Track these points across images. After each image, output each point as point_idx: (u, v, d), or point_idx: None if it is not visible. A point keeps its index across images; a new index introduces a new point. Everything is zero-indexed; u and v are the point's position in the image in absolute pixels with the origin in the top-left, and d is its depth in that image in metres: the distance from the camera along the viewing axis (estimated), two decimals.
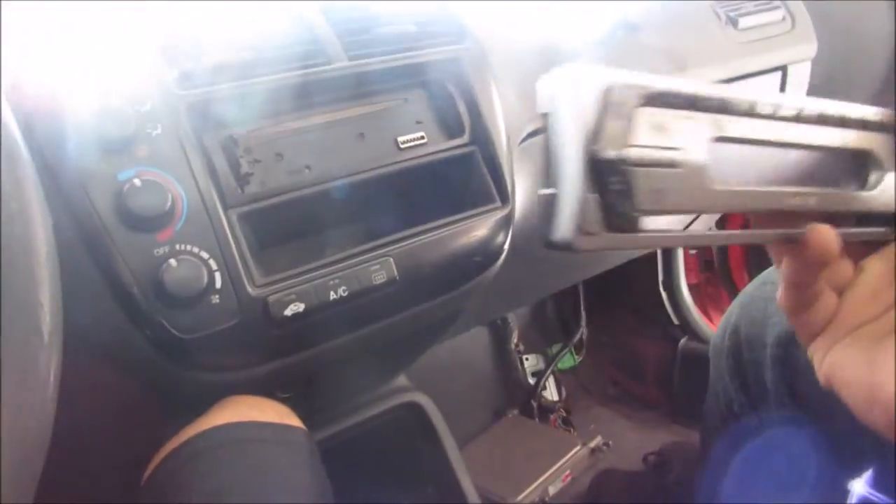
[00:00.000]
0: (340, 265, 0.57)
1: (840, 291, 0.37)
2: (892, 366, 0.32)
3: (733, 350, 0.68)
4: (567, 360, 1.56)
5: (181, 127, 0.52)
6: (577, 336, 1.55)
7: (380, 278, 0.57)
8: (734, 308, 0.68)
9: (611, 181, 0.27)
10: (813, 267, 0.35)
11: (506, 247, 0.68)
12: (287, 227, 0.59)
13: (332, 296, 0.55)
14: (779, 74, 1.01)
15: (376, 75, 0.63)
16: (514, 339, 1.52)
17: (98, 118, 0.48)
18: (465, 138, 0.66)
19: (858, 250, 0.38)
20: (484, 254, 0.65)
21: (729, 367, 0.70)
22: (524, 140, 0.75)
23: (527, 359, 1.53)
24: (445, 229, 0.62)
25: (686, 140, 0.29)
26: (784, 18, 1.00)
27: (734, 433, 0.71)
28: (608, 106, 0.26)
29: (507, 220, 0.66)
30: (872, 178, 0.35)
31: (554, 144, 0.28)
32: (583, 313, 1.55)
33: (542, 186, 0.29)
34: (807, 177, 0.34)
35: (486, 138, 0.66)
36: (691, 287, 1.50)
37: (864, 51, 1.29)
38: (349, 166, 0.60)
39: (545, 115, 0.29)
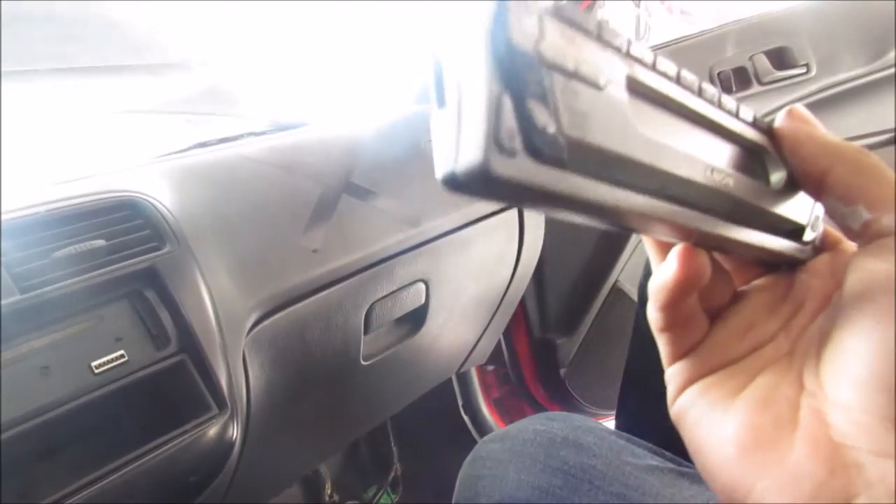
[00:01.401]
0: None
1: (714, 316, 0.32)
2: (733, 433, 0.27)
3: None
4: (386, 500, 1.51)
5: None
6: (392, 474, 1.51)
7: None
8: (457, 485, 0.68)
9: (526, 82, 0.20)
10: (682, 286, 0.30)
11: (234, 450, 0.65)
12: None
13: None
14: (515, 211, 1.09)
15: (58, 302, 0.59)
16: (328, 490, 1.45)
17: None
18: (172, 347, 0.63)
19: (749, 271, 0.34)
20: (202, 470, 0.61)
21: None
22: (253, 328, 0.73)
23: None
24: (152, 455, 0.58)
25: (603, 68, 0.23)
26: None
27: None
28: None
29: (226, 427, 0.63)
30: (774, 177, 0.32)
31: (445, 56, 0.21)
32: (394, 449, 1.52)
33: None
34: (718, 157, 0.30)
35: (194, 344, 0.64)
36: (496, 401, 1.53)
37: None
38: (30, 408, 0.55)
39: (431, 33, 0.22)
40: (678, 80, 0.27)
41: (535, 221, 1.13)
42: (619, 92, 0.24)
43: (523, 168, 0.20)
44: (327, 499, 1.44)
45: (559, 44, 0.21)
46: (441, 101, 0.21)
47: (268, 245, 0.77)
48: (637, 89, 0.25)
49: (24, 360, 0.57)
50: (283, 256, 0.77)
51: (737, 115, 0.30)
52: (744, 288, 0.33)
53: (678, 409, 0.31)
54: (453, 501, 0.66)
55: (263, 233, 0.77)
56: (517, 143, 0.20)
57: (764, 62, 1.36)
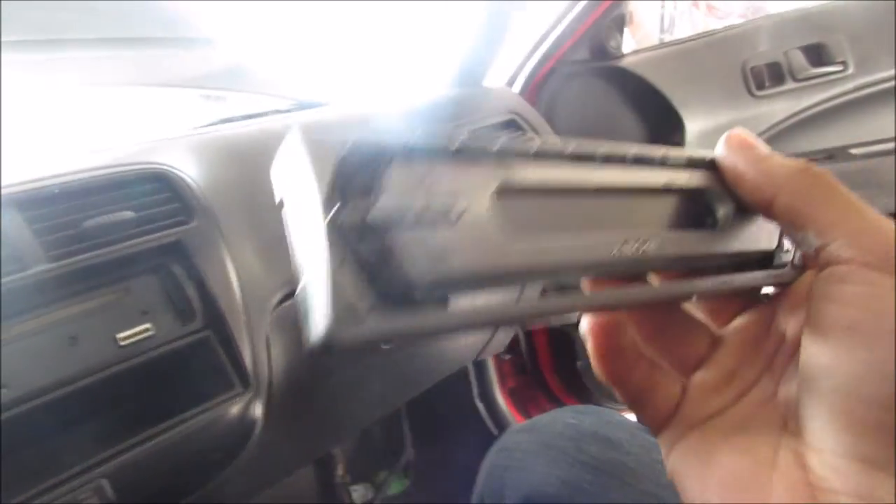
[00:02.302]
0: (41, 499, 0.50)
1: (694, 367, 0.30)
2: (717, 481, 0.26)
3: None
4: (396, 486, 1.51)
5: None
6: (404, 459, 1.51)
7: None
8: (481, 474, 0.68)
9: (365, 250, 0.21)
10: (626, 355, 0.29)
11: (257, 429, 0.64)
12: None
13: None
14: None
15: (86, 272, 0.58)
16: (340, 471, 1.45)
17: None
18: (198, 323, 0.63)
19: (729, 308, 0.32)
20: (225, 447, 0.61)
21: None
22: (278, 306, 0.73)
23: (354, 490, 1.47)
24: (175, 430, 0.58)
25: (462, 193, 0.23)
26: None
27: None
28: (348, 165, 0.21)
29: (249, 405, 0.62)
30: (721, 213, 0.30)
31: (295, 228, 0.22)
32: (407, 435, 1.52)
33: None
34: (639, 222, 0.29)
35: (220, 320, 0.63)
36: (511, 390, 1.53)
37: None
38: (58, 378, 0.55)
39: (280, 203, 0.23)
40: (575, 158, 0.26)
41: None
42: (480, 212, 0.23)
43: (377, 325, 0.20)
44: (339, 480, 1.44)
45: (400, 196, 0.21)
46: (298, 278, 0.22)
47: None
48: (515, 191, 0.25)
49: (52, 328, 0.57)
50: None
51: (664, 164, 0.29)
52: (723, 332, 0.31)
53: (671, 469, 0.30)
54: (477, 490, 0.66)
55: None
56: (366, 306, 0.20)
57: (799, 58, 1.33)
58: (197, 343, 0.62)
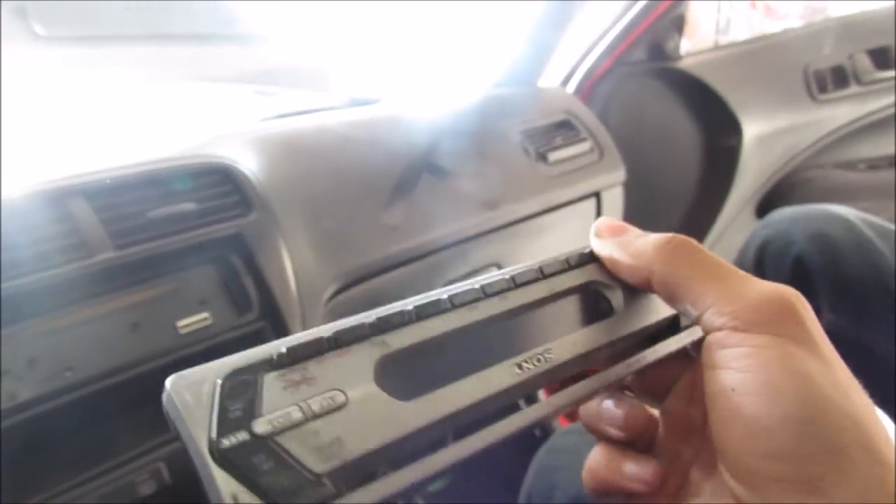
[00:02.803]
0: (99, 480, 0.52)
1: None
2: None
3: None
4: (437, 483, 1.51)
5: None
6: None
7: (147, 489, 0.53)
8: (529, 474, 0.67)
9: (256, 464, 0.22)
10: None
11: None
12: (46, 440, 0.54)
13: None
14: (593, 200, 1.07)
15: (149, 261, 0.60)
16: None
17: None
18: (254, 314, 0.64)
19: (664, 380, 0.32)
20: None
21: None
22: (331, 299, 0.73)
23: None
24: None
25: (344, 378, 0.25)
26: (592, 149, 1.06)
27: None
28: (221, 395, 0.23)
29: None
30: (614, 300, 0.31)
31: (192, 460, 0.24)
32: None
33: None
34: (534, 337, 0.30)
35: (275, 312, 0.64)
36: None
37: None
38: (120, 362, 0.56)
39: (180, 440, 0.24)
40: (449, 307, 0.27)
41: (614, 211, 1.11)
42: (366, 390, 0.24)
43: None
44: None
45: (282, 400, 0.23)
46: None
47: (348, 218, 0.77)
48: (396, 358, 0.26)
49: (115, 315, 0.58)
50: (363, 231, 0.77)
51: (543, 275, 0.30)
52: (657, 410, 0.32)
53: None
54: (525, 489, 0.65)
55: (344, 205, 0.77)
56: None
57: (865, 61, 1.29)
58: (253, 333, 0.63)
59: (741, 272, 0.26)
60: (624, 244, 0.29)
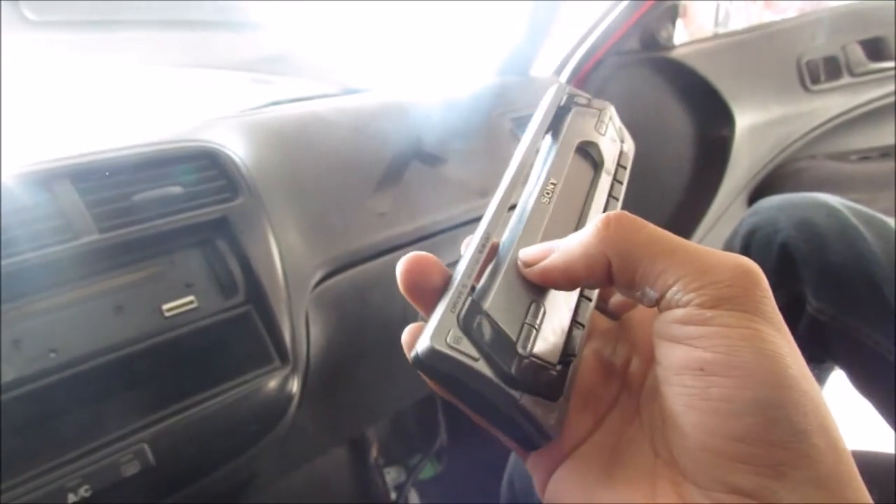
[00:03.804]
0: (83, 461, 0.52)
1: None
2: None
3: (511, 501, 0.67)
4: (428, 470, 1.52)
5: None
6: (437, 444, 1.52)
7: (132, 469, 0.53)
8: (511, 458, 0.68)
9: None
10: None
11: (293, 404, 0.65)
12: (29, 421, 0.54)
13: (71, 498, 0.51)
14: None
15: (134, 244, 0.60)
16: (374, 453, 1.47)
17: None
18: (240, 297, 0.64)
19: None
20: (262, 420, 0.62)
21: None
22: (317, 285, 0.74)
23: (387, 472, 1.48)
24: (214, 400, 0.59)
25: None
26: None
27: None
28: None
29: (286, 380, 0.64)
30: None
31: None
32: (441, 420, 1.52)
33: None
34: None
35: (261, 296, 0.64)
36: None
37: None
38: (104, 345, 0.57)
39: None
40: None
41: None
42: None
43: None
44: (372, 462, 1.45)
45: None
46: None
47: (336, 204, 0.77)
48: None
49: (100, 297, 0.59)
50: (351, 217, 0.77)
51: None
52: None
53: (549, 496, 0.29)
54: (507, 473, 0.66)
55: (332, 192, 0.78)
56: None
57: (857, 52, 1.29)
58: (238, 317, 0.63)
59: (692, 244, 0.25)
60: (564, 254, 0.27)
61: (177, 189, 0.64)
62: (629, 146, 0.38)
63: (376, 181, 0.82)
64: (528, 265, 0.29)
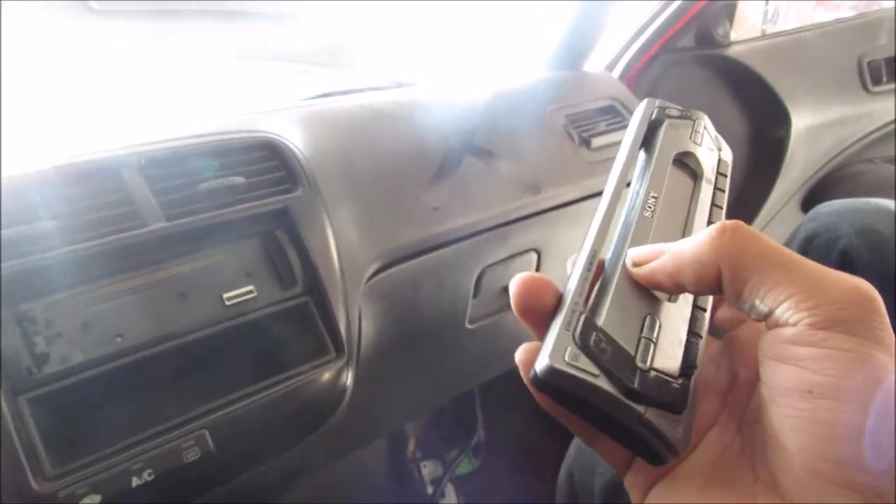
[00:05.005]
0: (146, 445, 0.53)
1: None
2: None
3: (570, 493, 0.67)
4: (465, 466, 1.52)
5: None
6: (475, 440, 1.52)
7: (192, 455, 0.54)
8: (571, 451, 0.67)
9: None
10: None
11: (346, 395, 0.66)
12: (95, 403, 0.55)
13: (135, 482, 0.51)
14: None
15: (198, 233, 0.61)
16: (411, 447, 1.48)
17: None
18: (298, 288, 0.65)
19: None
20: (317, 411, 0.63)
21: None
22: (371, 278, 0.74)
23: (424, 466, 1.49)
24: (272, 390, 0.60)
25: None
26: None
27: None
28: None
29: (341, 371, 0.64)
30: None
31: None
32: (479, 416, 1.52)
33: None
34: None
35: (318, 287, 0.65)
36: None
37: None
38: (167, 331, 0.58)
39: None
40: None
41: None
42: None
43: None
44: (410, 455, 1.46)
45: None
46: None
47: (391, 198, 0.77)
48: None
49: (165, 284, 0.59)
50: (405, 211, 0.77)
51: None
52: None
53: None
54: (567, 463, 0.66)
55: (387, 185, 0.78)
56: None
57: None
58: (296, 308, 0.64)
59: (809, 261, 0.24)
60: (675, 257, 0.27)
61: (239, 179, 0.65)
62: (727, 153, 0.37)
63: (430, 175, 0.82)
64: (636, 264, 0.28)
